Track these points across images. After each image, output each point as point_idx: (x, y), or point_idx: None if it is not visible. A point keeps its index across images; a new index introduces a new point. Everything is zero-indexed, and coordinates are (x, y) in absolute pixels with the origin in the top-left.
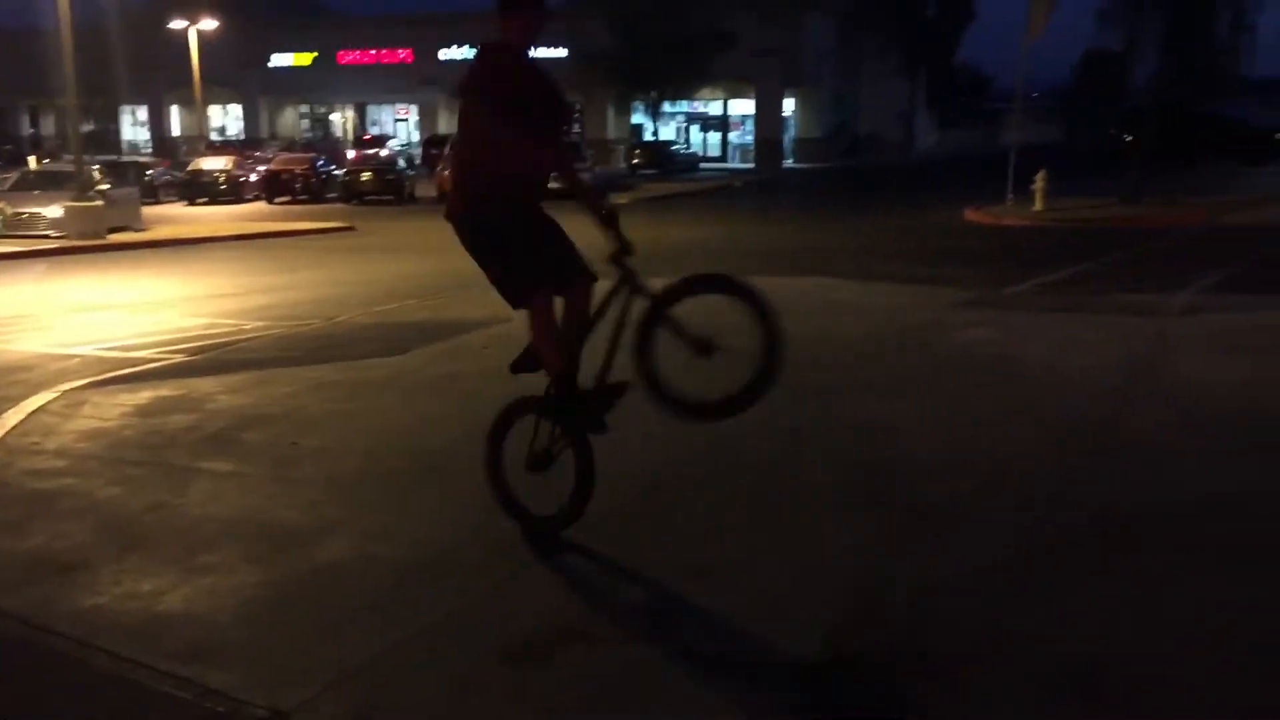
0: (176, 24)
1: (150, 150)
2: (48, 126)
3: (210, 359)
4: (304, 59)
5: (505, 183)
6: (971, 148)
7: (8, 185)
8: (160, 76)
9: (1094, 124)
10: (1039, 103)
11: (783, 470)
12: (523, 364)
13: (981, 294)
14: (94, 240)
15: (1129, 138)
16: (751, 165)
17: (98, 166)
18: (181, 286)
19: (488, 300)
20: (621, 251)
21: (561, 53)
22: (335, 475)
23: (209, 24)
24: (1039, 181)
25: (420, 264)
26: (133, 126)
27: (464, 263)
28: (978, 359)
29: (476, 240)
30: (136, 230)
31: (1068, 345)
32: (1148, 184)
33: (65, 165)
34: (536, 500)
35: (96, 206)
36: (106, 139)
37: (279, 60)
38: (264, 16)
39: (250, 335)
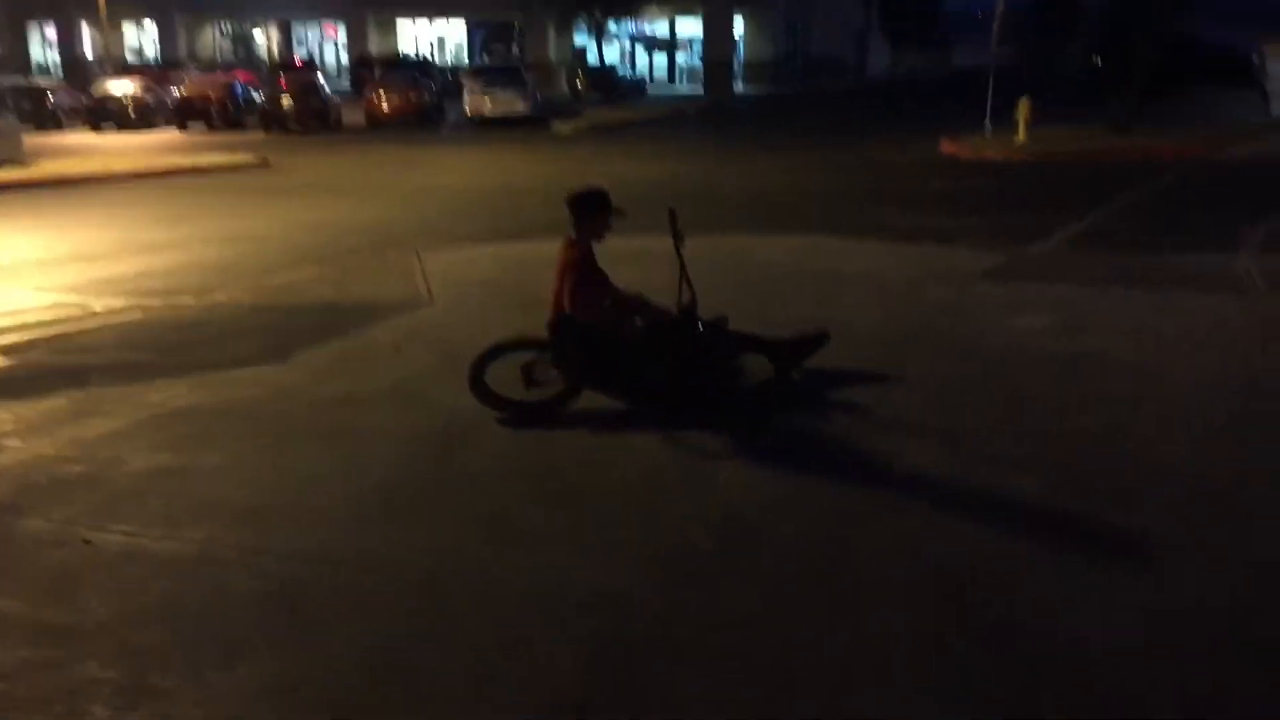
0: None
1: (61, 73)
2: None
3: (20, 366)
4: None
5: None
6: (925, 72)
7: None
8: None
9: (1052, 47)
10: (987, 24)
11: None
12: None
13: (1009, 258)
14: None
15: (1100, 61)
16: (700, 90)
17: None
18: (40, 243)
19: (406, 268)
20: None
21: None
22: (124, 634)
23: None
24: (1022, 111)
25: (335, 209)
26: (43, 46)
27: (386, 210)
28: (1056, 366)
29: None
30: (17, 164)
31: (1160, 340)
32: (1136, 112)
33: None
34: None
35: None
36: (11, 60)
37: None
38: None
39: (95, 324)
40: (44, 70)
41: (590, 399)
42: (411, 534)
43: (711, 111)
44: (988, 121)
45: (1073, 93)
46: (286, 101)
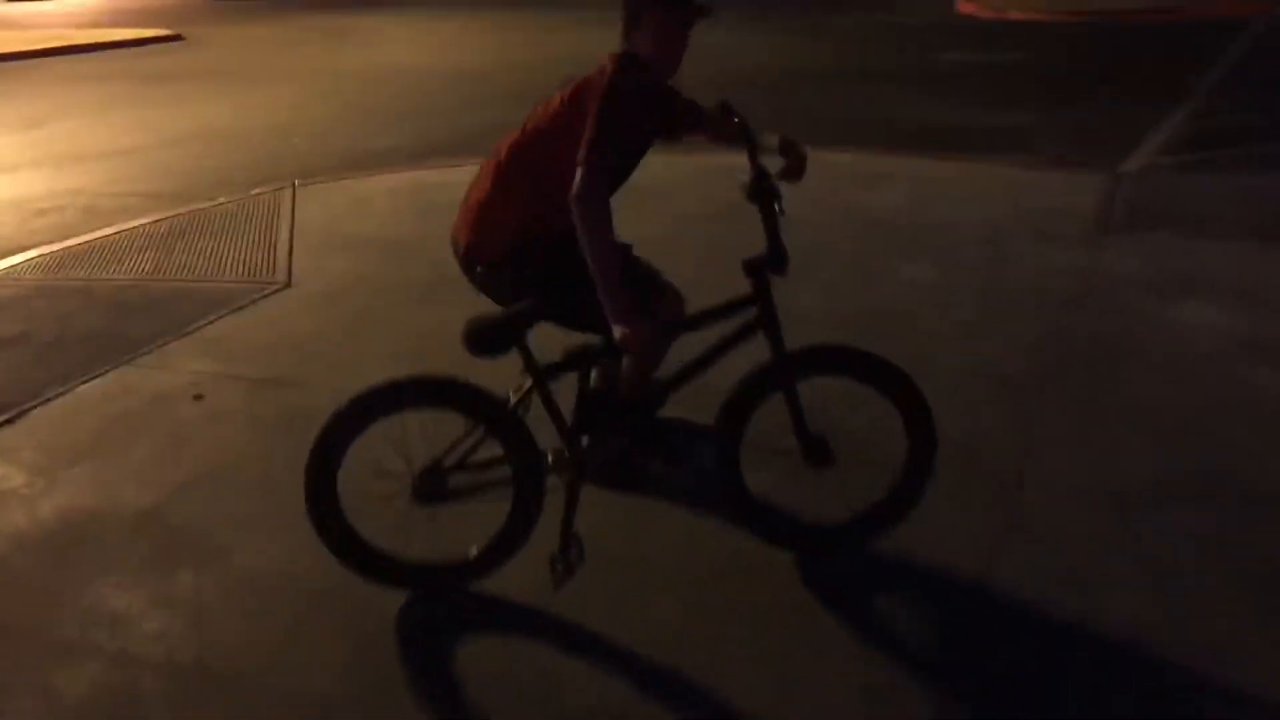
0: None
1: None
2: None
3: None
4: None
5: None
6: None
7: None
8: None
9: None
10: None
11: None
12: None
13: (1108, 187)
14: None
15: None
16: None
17: None
18: None
19: (271, 216)
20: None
21: None
22: None
23: None
24: None
25: (230, 109)
26: None
27: (296, 108)
28: None
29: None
30: None
31: None
32: None
33: None
34: None
35: None
36: None
37: None
38: None
39: None
40: None
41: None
42: None
43: None
44: None
45: None
46: None
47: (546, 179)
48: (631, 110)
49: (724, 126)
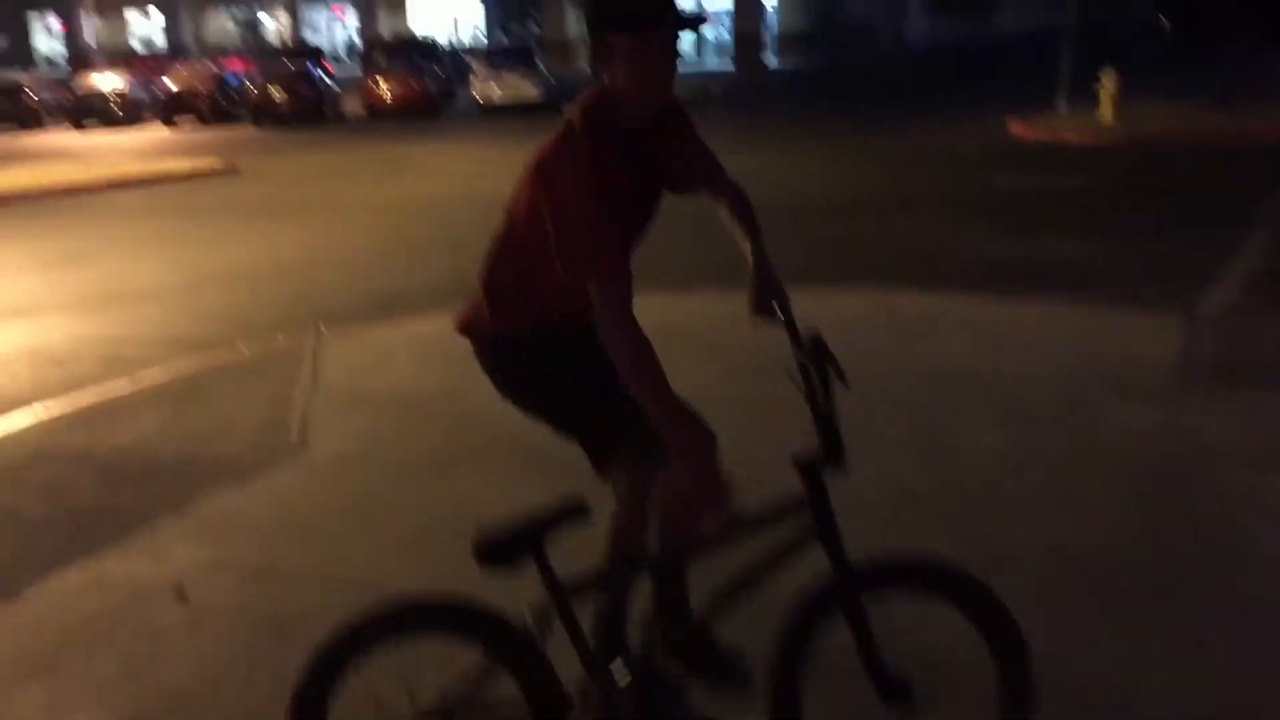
0: None
1: (68, 65)
2: None
3: None
4: None
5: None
6: (968, 38)
7: None
8: None
9: (1107, 4)
10: None
11: None
12: None
13: (1190, 328)
14: None
15: (1168, 22)
16: (729, 65)
17: None
18: None
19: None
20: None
21: None
22: None
23: None
24: (1106, 84)
25: (270, 243)
26: (48, 38)
27: (337, 239)
28: None
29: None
30: None
31: None
32: (1237, 82)
33: None
34: None
35: None
36: (14, 52)
37: None
38: None
39: None
40: (50, 63)
41: None
42: None
43: (742, 90)
44: (1061, 98)
45: (1141, 58)
46: (277, 93)
47: (529, 269)
48: (588, 183)
49: (761, 290)
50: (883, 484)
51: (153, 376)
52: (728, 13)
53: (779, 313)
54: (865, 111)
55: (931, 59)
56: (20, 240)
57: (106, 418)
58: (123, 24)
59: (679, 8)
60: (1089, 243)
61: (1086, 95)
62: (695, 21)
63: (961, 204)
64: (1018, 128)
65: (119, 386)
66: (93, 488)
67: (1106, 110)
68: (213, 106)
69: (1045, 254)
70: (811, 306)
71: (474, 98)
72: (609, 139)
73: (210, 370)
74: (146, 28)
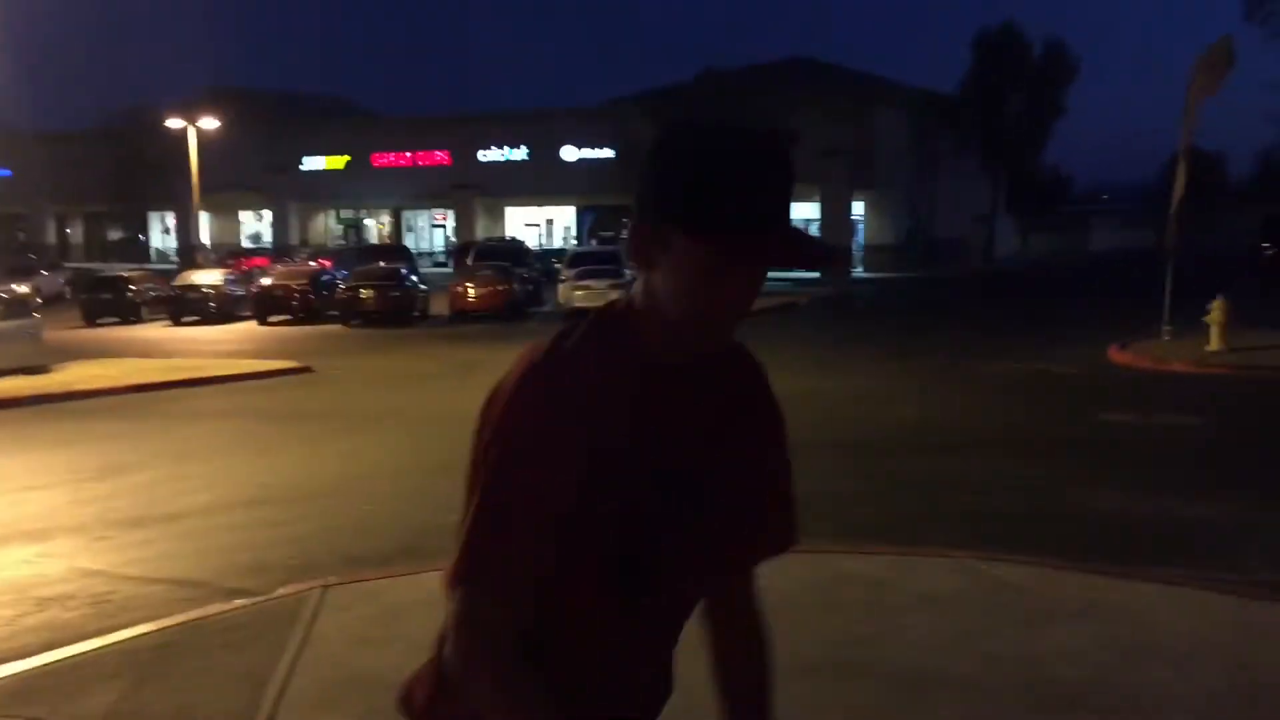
0: (173, 123)
1: (178, 260)
2: (76, 235)
3: None
4: (337, 162)
5: None
6: (1058, 254)
7: None
8: (187, 181)
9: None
10: (1111, 205)
11: None
12: None
13: None
14: None
15: (1269, 248)
16: (815, 274)
17: None
18: None
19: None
20: None
21: (608, 153)
22: None
23: (209, 123)
24: (1216, 313)
25: (323, 460)
26: (162, 234)
27: (389, 458)
28: None
29: None
30: (37, 371)
31: None
32: None
33: None
34: None
35: None
36: (135, 247)
37: (311, 164)
38: (296, 118)
39: None
40: (162, 257)
41: None
42: None
43: (827, 301)
44: (1166, 322)
45: (1242, 284)
46: (366, 292)
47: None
48: (546, 436)
49: None
50: None
51: (126, 634)
52: (815, 223)
53: None
54: (952, 330)
55: (1020, 275)
56: (64, 447)
57: (53, 692)
58: (236, 223)
59: (789, 214)
60: (1219, 501)
61: (1187, 320)
62: (826, 255)
63: (1066, 446)
64: (1119, 355)
65: (89, 647)
66: None
67: (1216, 339)
68: (305, 304)
69: (1171, 513)
70: (893, 576)
71: (559, 301)
72: (615, 372)
73: (190, 629)
74: (257, 226)
